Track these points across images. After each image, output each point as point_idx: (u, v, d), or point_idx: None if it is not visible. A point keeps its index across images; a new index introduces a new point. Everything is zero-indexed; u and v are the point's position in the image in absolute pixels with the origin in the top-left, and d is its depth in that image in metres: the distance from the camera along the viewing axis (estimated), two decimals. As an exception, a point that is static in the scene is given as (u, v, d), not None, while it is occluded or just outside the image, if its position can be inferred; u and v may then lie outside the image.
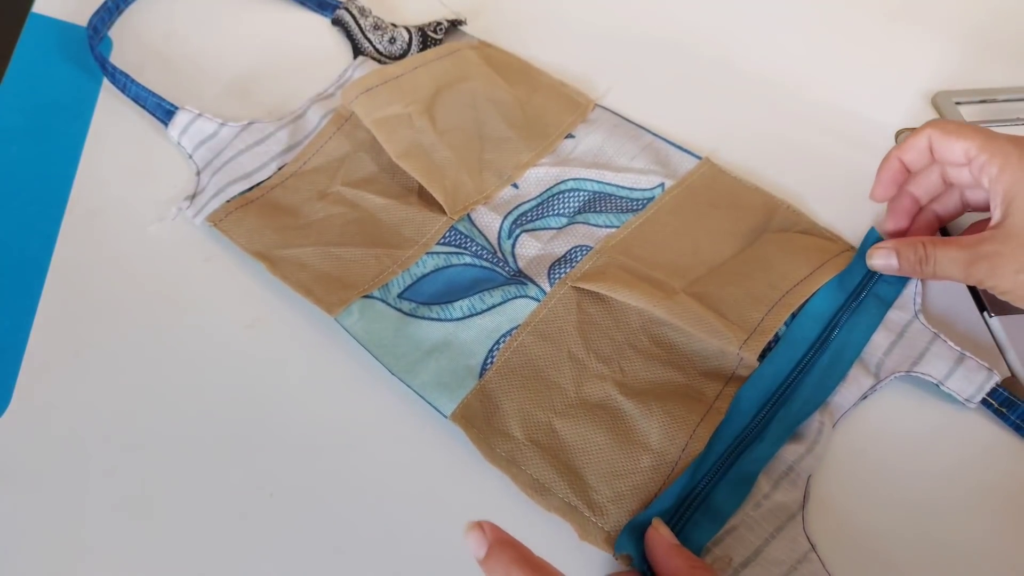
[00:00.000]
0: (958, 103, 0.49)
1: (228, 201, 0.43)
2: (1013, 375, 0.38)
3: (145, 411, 0.36)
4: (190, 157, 0.45)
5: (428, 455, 0.36)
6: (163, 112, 0.45)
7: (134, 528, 0.33)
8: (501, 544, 0.26)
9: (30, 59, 0.50)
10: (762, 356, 0.37)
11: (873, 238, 0.41)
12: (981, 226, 0.38)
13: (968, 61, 0.52)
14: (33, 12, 0.52)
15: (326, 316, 0.38)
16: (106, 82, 0.48)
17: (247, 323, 0.39)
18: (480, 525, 0.27)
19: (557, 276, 0.40)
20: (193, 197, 0.43)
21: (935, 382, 0.37)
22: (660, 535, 0.31)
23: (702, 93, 0.50)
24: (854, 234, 0.42)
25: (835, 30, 0.54)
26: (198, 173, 0.44)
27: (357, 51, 0.51)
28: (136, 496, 0.34)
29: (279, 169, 0.45)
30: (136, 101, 0.47)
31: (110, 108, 0.47)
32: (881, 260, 0.39)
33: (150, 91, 0.46)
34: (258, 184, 0.44)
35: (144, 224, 0.42)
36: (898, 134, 0.48)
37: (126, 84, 0.47)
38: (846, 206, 0.44)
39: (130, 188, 0.44)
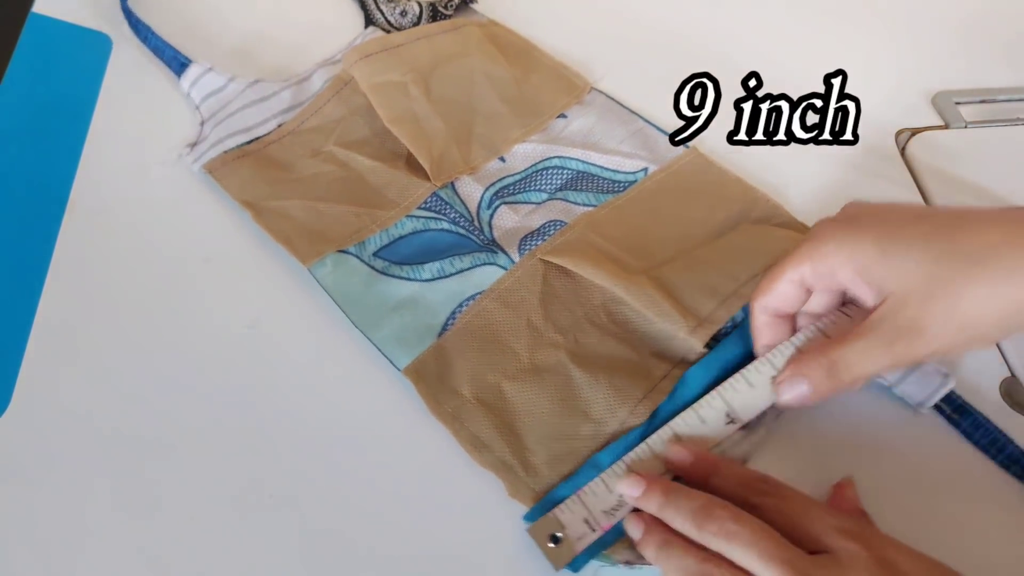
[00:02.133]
0: (958, 103, 0.48)
1: (226, 152, 0.45)
2: (1013, 375, 0.38)
3: (145, 411, 0.36)
4: (197, 108, 0.47)
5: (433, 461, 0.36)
6: (178, 64, 0.48)
7: (134, 528, 0.33)
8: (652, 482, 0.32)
9: (30, 59, 0.50)
10: (718, 341, 0.37)
11: None
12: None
13: (968, 61, 0.51)
14: (33, 12, 0.52)
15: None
16: (106, 81, 0.49)
17: (247, 323, 0.39)
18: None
19: (527, 248, 0.41)
20: (194, 145, 0.45)
21: (887, 384, 0.36)
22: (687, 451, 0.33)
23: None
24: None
25: (835, 28, 0.54)
26: (202, 123, 0.46)
27: (369, 21, 0.53)
28: (136, 496, 0.34)
29: (279, 126, 0.47)
30: (155, 52, 0.49)
31: (110, 108, 0.48)
32: (791, 393, 0.32)
33: (168, 43, 0.48)
34: (257, 139, 0.46)
35: (144, 224, 0.43)
36: (898, 134, 0.48)
37: (147, 36, 0.49)
38: (842, 202, 0.43)
39: (129, 187, 0.44)
